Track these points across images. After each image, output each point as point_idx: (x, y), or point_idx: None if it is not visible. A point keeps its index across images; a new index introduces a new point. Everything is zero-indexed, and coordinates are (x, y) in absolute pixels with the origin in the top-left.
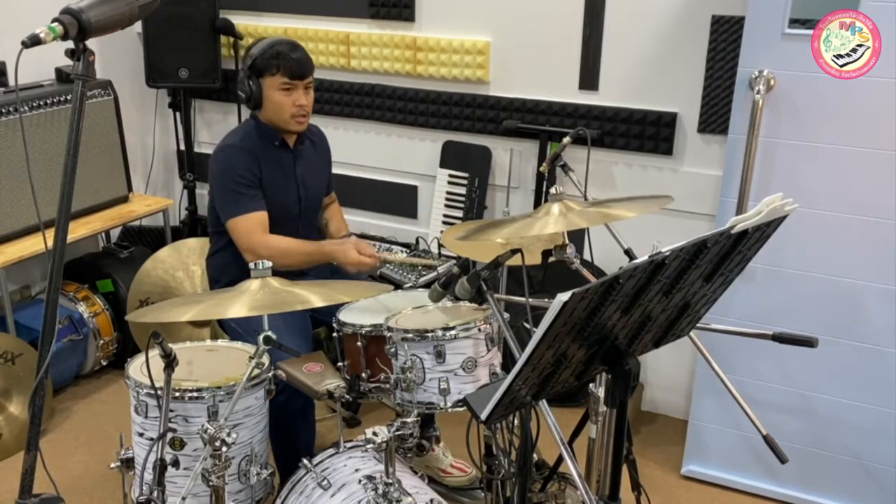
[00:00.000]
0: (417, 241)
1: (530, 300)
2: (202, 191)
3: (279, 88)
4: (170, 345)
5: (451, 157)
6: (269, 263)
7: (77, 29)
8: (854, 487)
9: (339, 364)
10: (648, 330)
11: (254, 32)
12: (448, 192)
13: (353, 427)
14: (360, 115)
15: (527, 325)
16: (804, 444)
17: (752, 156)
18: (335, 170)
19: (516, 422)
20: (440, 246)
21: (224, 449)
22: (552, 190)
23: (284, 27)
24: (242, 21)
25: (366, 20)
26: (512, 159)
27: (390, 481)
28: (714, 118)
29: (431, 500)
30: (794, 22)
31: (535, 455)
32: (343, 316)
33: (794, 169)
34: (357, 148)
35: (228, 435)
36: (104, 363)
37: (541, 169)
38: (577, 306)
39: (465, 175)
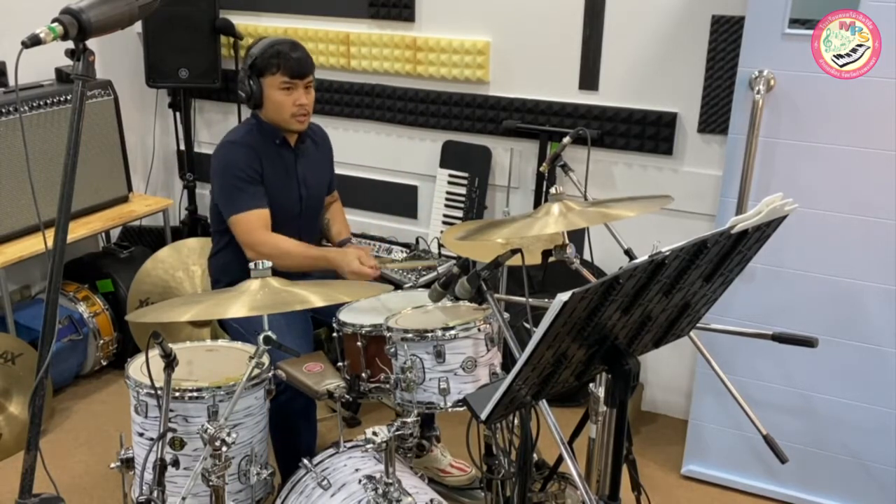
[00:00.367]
0: (417, 241)
1: (530, 300)
2: (202, 191)
3: (279, 88)
4: (170, 345)
5: (451, 157)
6: (268, 263)
7: (77, 29)
8: (854, 487)
9: (339, 364)
10: (648, 330)
11: (254, 32)
12: (448, 192)
13: (353, 427)
14: (360, 115)
15: (527, 325)
16: (804, 444)
17: (752, 156)
18: (335, 170)
19: (516, 422)
20: (440, 246)
21: (224, 449)
22: (552, 190)
23: (284, 27)
24: (242, 21)
25: (366, 20)
26: (512, 159)
27: (390, 481)
28: (714, 118)
29: (431, 500)
30: (794, 22)
31: (535, 455)
32: (343, 316)
33: (794, 169)
34: (357, 148)
35: (228, 435)
36: (104, 363)
37: (541, 169)
38: (577, 306)
39: (465, 175)
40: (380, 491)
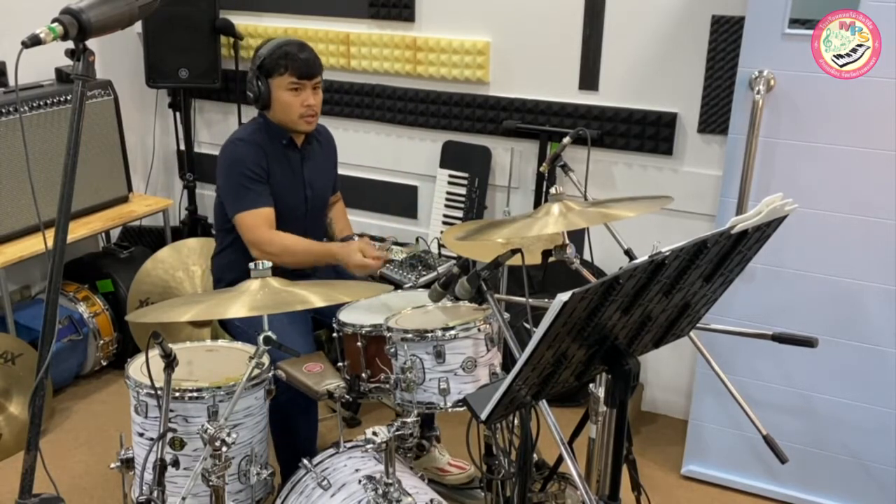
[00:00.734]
0: (417, 241)
1: (530, 300)
2: (202, 191)
3: (287, 88)
4: (170, 345)
5: (451, 157)
6: (268, 264)
7: (77, 29)
8: (854, 487)
9: (339, 364)
10: (648, 330)
11: (254, 32)
12: (448, 192)
13: (353, 427)
14: (360, 115)
15: (527, 325)
16: (804, 444)
17: (752, 156)
18: None
19: (516, 422)
20: (440, 246)
21: (224, 449)
22: (552, 190)
23: (284, 27)
24: (242, 21)
25: (366, 20)
26: (512, 159)
27: (390, 481)
28: (714, 118)
29: (431, 500)
30: (794, 22)
31: (535, 455)
32: (343, 316)
33: (794, 169)
34: (357, 148)
35: (228, 435)
36: (104, 363)
37: (541, 169)
38: (577, 306)
39: (465, 175)
40: (380, 491)
